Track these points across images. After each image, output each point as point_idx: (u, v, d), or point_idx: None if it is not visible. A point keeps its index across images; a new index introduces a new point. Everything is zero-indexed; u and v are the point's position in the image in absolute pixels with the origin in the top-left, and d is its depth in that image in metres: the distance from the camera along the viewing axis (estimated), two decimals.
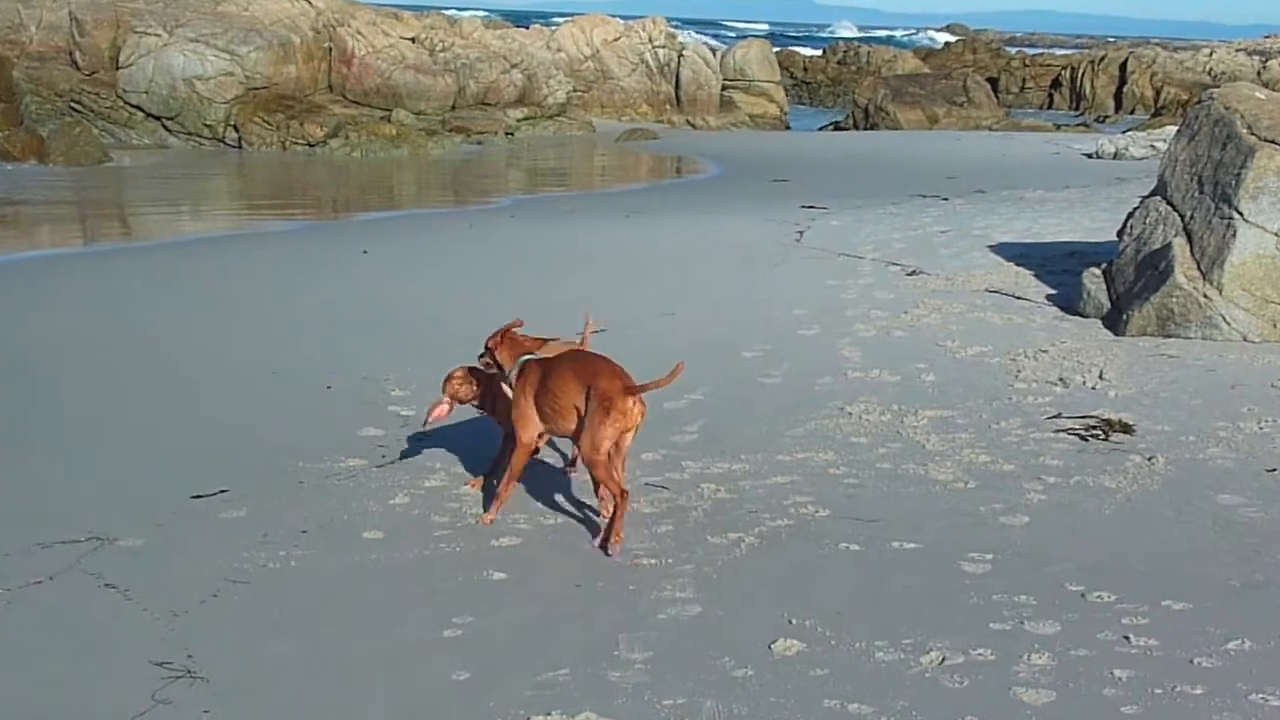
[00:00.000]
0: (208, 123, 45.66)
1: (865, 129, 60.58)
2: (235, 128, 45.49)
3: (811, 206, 26.71)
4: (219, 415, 11.71)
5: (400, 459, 10.41)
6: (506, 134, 50.02)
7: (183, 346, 14.33)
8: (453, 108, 51.14)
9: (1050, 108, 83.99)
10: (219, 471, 10.02)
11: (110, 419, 11.60)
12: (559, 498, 9.47)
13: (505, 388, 9.21)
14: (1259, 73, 77.28)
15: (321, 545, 8.55)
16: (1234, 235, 13.95)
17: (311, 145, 44.47)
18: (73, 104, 45.62)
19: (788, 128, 64.24)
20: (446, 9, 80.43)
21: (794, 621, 7.30)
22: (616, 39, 60.69)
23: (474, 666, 6.81)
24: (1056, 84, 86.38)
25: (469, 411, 11.44)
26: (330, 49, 49.36)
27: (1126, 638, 7.02)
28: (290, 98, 46.58)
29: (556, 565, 8.26)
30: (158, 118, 45.92)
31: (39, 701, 6.49)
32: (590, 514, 9.12)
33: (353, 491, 9.60)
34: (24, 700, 6.50)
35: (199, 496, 9.44)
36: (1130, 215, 15.75)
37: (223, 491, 9.55)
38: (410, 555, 8.40)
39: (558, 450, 10.63)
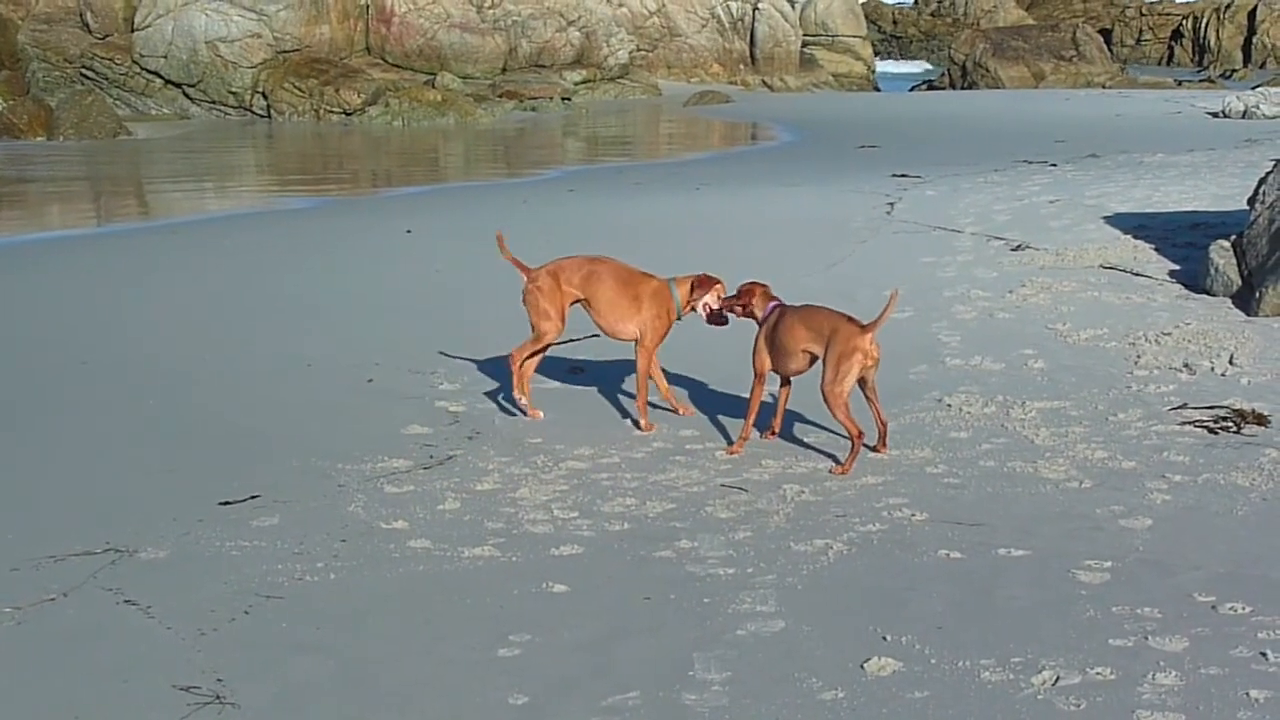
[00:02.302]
0: (233, 90, 46.02)
1: (962, 88, 60.39)
2: (263, 95, 45.83)
3: (903, 175, 26.65)
4: (248, 412, 11.77)
5: (449, 459, 10.43)
6: (563, 99, 50.15)
7: (208, 336, 14.42)
8: (503, 70, 51.34)
9: (1170, 62, 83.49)
10: (249, 475, 10.06)
11: (128, 417, 11.68)
12: (628, 502, 9.45)
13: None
14: None
15: (363, 556, 8.57)
16: None
17: (348, 114, 44.75)
18: (84, 71, 46.04)
19: (876, 88, 64.10)
20: None
21: (889, 638, 7.27)
22: None
23: (532, 689, 6.81)
24: (1177, 35, 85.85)
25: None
26: (367, 6, 49.61)
27: (1264, 654, 6.95)
28: (324, 61, 46.86)
29: (623, 576, 8.24)
30: (178, 85, 46.30)
31: None
32: (659, 521, 9.11)
33: (397, 496, 9.62)
34: None
35: (227, 503, 9.48)
36: (1263, 181, 15.61)
37: (254, 497, 9.59)
38: (461, 566, 8.40)
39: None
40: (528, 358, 11.47)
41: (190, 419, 11.61)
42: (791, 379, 10.65)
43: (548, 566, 8.36)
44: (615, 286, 11.23)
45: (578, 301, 11.37)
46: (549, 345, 11.57)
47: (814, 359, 10.23)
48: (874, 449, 10.37)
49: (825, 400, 10.04)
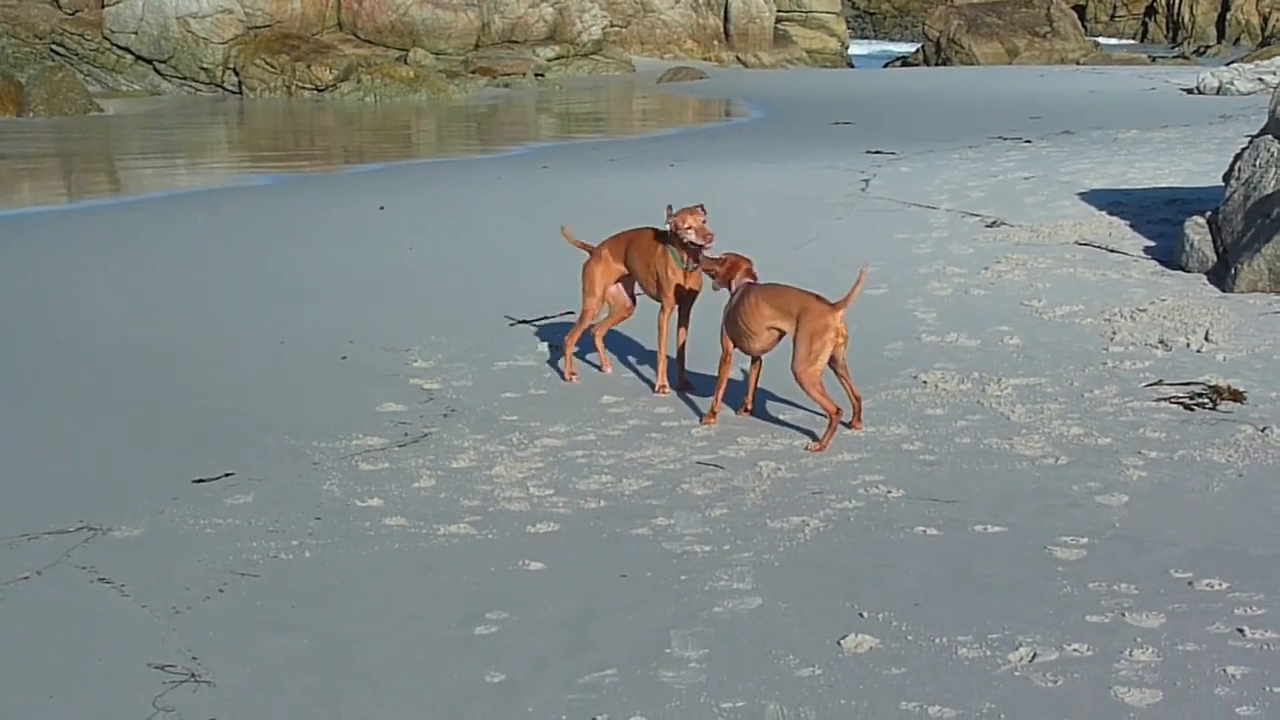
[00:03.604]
0: (204, 66, 45.80)
1: (937, 64, 60.36)
2: (235, 71, 45.64)
3: (878, 152, 26.63)
4: (222, 390, 11.74)
5: (424, 437, 10.42)
6: (536, 75, 50.00)
7: (181, 314, 14.37)
8: (476, 46, 51.15)
9: (1144, 38, 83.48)
10: (223, 453, 10.04)
11: (101, 395, 11.64)
12: (604, 479, 9.45)
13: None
14: None
15: (337, 533, 8.55)
16: None
17: (320, 90, 44.56)
18: (54, 47, 45.78)
19: (850, 64, 64.04)
20: None
21: (865, 615, 7.27)
22: None
23: (509, 667, 6.80)
24: (1151, 11, 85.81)
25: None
26: None
27: (1240, 630, 6.96)
28: (295, 37, 46.66)
29: (600, 554, 8.24)
30: (149, 61, 46.08)
31: (26, 711, 6.50)
32: (636, 499, 9.11)
33: (372, 474, 9.61)
34: (9, 710, 6.51)
35: (201, 481, 9.46)
36: (1237, 157, 15.61)
37: (227, 475, 9.57)
38: (436, 544, 8.39)
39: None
40: (598, 333, 12.10)
41: (163, 397, 11.57)
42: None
43: (524, 544, 8.36)
44: (640, 253, 11.49)
45: (625, 276, 11.78)
46: (592, 321, 11.95)
47: (781, 335, 10.22)
48: (849, 425, 10.37)
49: (798, 380, 10.03)
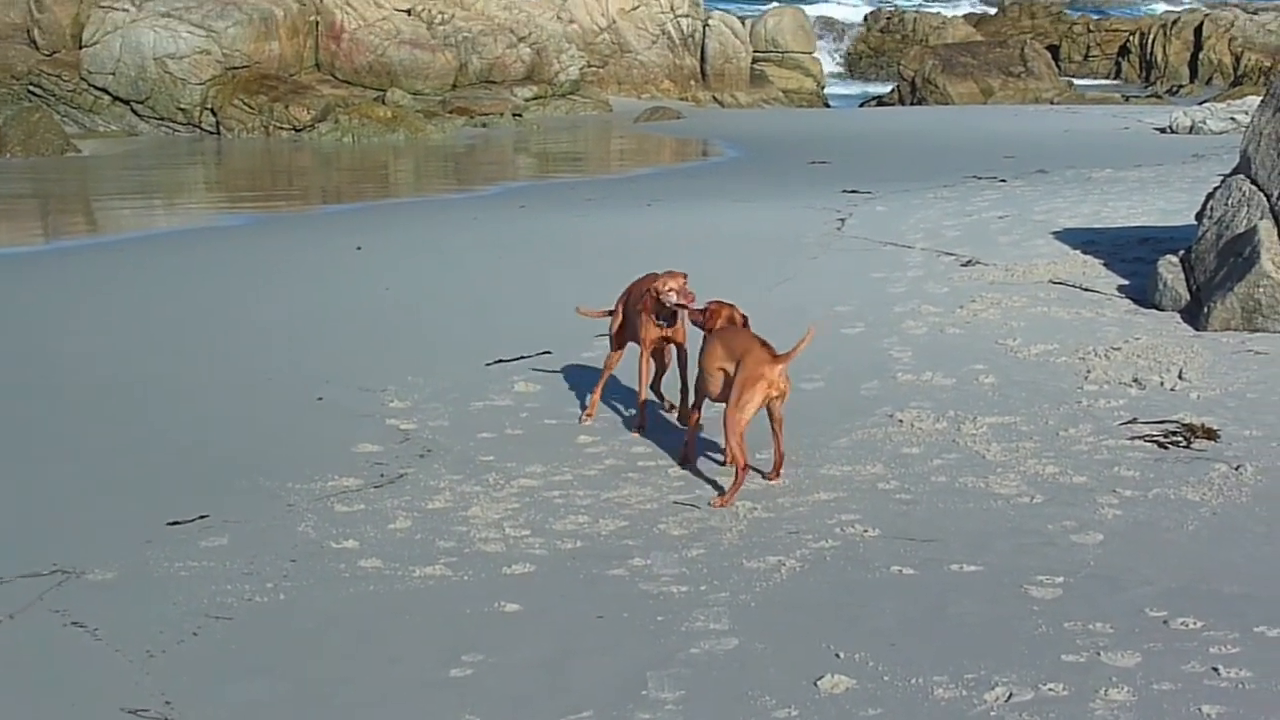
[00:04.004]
0: (182, 106, 45.72)
1: (912, 104, 60.46)
2: (212, 111, 45.56)
3: (854, 191, 26.64)
4: (196, 432, 11.70)
5: (400, 478, 10.38)
6: (514, 115, 49.94)
7: (155, 355, 14.32)
8: (454, 87, 51.12)
9: (1118, 78, 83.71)
10: (198, 495, 9.99)
11: (74, 436, 11.59)
12: (580, 519, 9.42)
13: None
14: None
15: (313, 576, 8.52)
16: None
17: (297, 130, 44.51)
18: (31, 88, 45.72)
19: (826, 104, 64.15)
20: None
21: (842, 655, 7.25)
22: (634, 8, 60.39)
23: (485, 710, 6.77)
24: (1124, 51, 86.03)
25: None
26: (316, 23, 49.36)
27: (1215, 669, 6.96)
28: (273, 78, 46.61)
29: (576, 595, 8.22)
30: (126, 101, 46.00)
31: None
32: (612, 539, 9.08)
33: (347, 515, 9.57)
34: None
35: (175, 523, 9.41)
36: (1210, 196, 15.66)
37: (202, 517, 9.53)
38: (412, 586, 8.36)
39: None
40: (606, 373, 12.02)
41: (137, 439, 11.53)
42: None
43: (500, 585, 8.33)
44: (633, 300, 11.54)
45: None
46: (612, 370, 11.99)
47: (730, 379, 10.09)
48: (766, 476, 10.28)
49: (723, 422, 9.94)
